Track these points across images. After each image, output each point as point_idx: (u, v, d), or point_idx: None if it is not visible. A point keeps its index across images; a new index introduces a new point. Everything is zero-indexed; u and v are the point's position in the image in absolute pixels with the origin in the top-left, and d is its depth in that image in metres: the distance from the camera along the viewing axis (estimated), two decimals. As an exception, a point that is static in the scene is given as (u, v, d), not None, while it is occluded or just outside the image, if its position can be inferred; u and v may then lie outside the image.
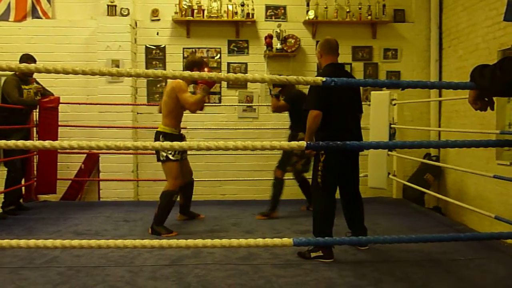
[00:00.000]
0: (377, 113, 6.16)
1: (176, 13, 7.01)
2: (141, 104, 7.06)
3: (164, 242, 2.34)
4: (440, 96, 6.97)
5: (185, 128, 6.07)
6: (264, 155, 7.03)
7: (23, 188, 6.05)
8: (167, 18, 7.13)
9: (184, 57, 7.10)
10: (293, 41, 7.09)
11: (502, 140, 3.18)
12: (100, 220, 5.25)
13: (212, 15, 7.02)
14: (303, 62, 7.21)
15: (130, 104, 6.88)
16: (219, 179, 7.02)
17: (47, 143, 2.21)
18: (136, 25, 7.09)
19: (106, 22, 6.82)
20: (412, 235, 2.75)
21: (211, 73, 2.46)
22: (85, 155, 6.93)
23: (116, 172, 6.83)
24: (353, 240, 3.53)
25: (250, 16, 7.04)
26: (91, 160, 7.00)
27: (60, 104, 6.16)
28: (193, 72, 2.35)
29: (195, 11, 6.99)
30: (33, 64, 2.93)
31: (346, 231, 4.06)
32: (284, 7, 7.26)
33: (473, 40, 6.11)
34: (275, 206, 5.26)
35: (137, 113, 7.11)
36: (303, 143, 2.49)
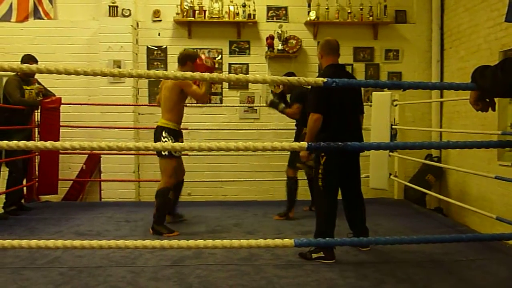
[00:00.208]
0: (379, 114, 6.16)
1: (177, 14, 7.01)
2: (142, 105, 7.07)
3: (166, 242, 2.34)
4: (441, 97, 6.97)
5: (187, 129, 6.08)
6: (265, 156, 7.04)
7: (24, 188, 6.06)
8: (169, 19, 7.13)
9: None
10: (294, 42, 7.09)
11: (503, 141, 3.19)
12: (102, 220, 5.25)
13: (213, 16, 7.02)
14: (304, 63, 7.21)
15: (132, 105, 6.89)
16: (220, 179, 7.02)
17: (48, 144, 2.21)
18: (137, 26, 7.10)
19: (107, 23, 6.83)
20: (413, 236, 2.75)
21: (212, 74, 2.46)
22: (86, 155, 6.94)
23: (118, 173, 6.84)
24: (354, 241, 3.54)
25: (252, 17, 7.05)
26: (93, 161, 7.00)
27: (62, 105, 6.16)
28: (194, 73, 2.35)
29: (197, 12, 6.99)
30: (34, 65, 2.94)
31: (347, 232, 4.05)
32: (286, 8, 7.26)
33: (474, 41, 6.11)
34: (291, 206, 5.24)
35: (139, 114, 7.11)
36: (304, 144, 2.49)
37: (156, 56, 7.16)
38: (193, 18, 7.00)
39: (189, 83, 4.50)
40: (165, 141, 4.51)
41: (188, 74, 2.34)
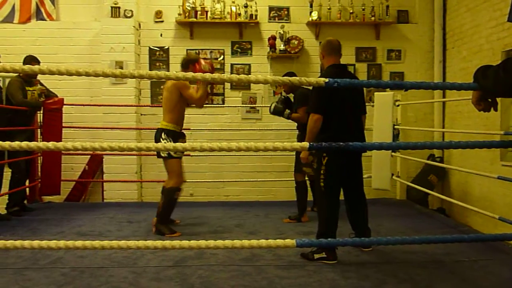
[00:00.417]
0: (381, 114, 6.16)
1: (179, 14, 7.02)
2: (144, 106, 7.08)
3: (167, 243, 2.34)
4: (443, 97, 6.96)
5: (189, 129, 6.09)
6: (267, 156, 7.04)
7: (27, 189, 6.07)
8: (171, 20, 7.14)
9: (187, 59, 7.11)
10: (296, 42, 7.09)
11: (506, 141, 3.18)
12: (104, 221, 5.26)
13: (215, 17, 7.03)
14: (306, 63, 7.21)
15: (134, 106, 6.90)
16: (222, 180, 7.02)
17: (50, 144, 2.21)
18: (139, 27, 7.11)
19: (110, 24, 6.84)
20: (415, 237, 2.74)
21: (213, 74, 2.46)
22: (89, 156, 6.95)
23: (120, 173, 6.84)
24: (356, 241, 3.54)
25: (254, 18, 7.05)
26: (95, 161, 7.01)
27: (64, 106, 6.18)
28: (196, 74, 2.35)
29: (199, 12, 7.00)
30: (36, 66, 2.94)
31: (349, 232, 4.05)
32: (288, 8, 7.26)
33: (477, 41, 6.10)
34: (302, 210, 5.18)
35: (141, 114, 7.12)
36: (306, 144, 2.49)
37: (158, 56, 7.17)
38: (195, 19, 7.01)
39: (186, 85, 4.53)
40: (164, 142, 4.51)
41: (190, 74, 2.34)
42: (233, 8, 7.04)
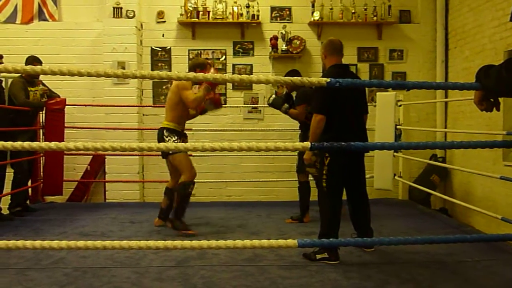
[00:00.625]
0: (383, 114, 6.15)
1: (181, 15, 7.02)
2: (146, 106, 7.08)
3: (169, 243, 2.34)
4: (446, 97, 6.94)
5: (190, 130, 6.09)
6: (269, 156, 7.04)
7: (29, 189, 6.08)
8: (173, 20, 7.14)
9: (189, 59, 7.11)
10: (298, 42, 7.08)
11: (508, 141, 3.17)
12: (106, 221, 5.27)
13: (217, 17, 7.03)
14: (308, 63, 7.20)
15: (136, 106, 6.91)
16: (224, 180, 7.02)
17: (52, 144, 2.22)
18: (141, 27, 7.12)
19: (112, 24, 6.85)
20: (418, 237, 2.74)
21: (215, 74, 2.46)
22: (91, 156, 6.96)
23: (122, 174, 6.85)
24: (358, 241, 3.53)
25: (255, 18, 7.05)
26: (97, 162, 7.03)
27: (66, 106, 6.19)
28: (197, 74, 2.35)
29: (201, 13, 7.00)
30: (38, 66, 2.94)
31: (351, 233, 4.04)
32: (289, 8, 7.25)
33: (479, 41, 6.08)
34: (305, 210, 5.16)
35: (143, 115, 7.12)
36: (307, 144, 2.48)
37: (160, 57, 7.17)
38: (197, 19, 7.01)
39: (186, 86, 4.52)
40: (168, 139, 4.54)
41: (191, 74, 2.34)
42: (235, 8, 7.04)
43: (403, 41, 7.30)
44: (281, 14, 7.25)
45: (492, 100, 2.28)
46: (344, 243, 3.57)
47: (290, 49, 7.07)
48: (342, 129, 3.76)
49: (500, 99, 2.30)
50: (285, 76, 4.76)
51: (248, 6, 7.03)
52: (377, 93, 6.44)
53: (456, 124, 6.71)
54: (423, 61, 7.31)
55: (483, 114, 2.54)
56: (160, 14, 7.16)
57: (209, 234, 4.61)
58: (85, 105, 6.75)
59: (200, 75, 2.35)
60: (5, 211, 5.54)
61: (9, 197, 5.63)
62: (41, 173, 6.26)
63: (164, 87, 7.14)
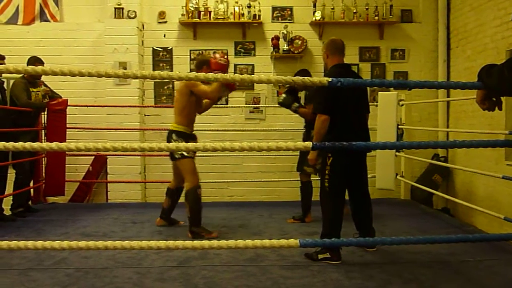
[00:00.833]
0: (385, 114, 6.14)
1: (183, 15, 7.02)
2: (148, 106, 7.09)
3: (171, 243, 2.34)
4: (448, 96, 6.93)
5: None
6: (271, 156, 7.04)
7: (31, 190, 6.09)
8: (174, 20, 7.15)
9: (191, 59, 7.12)
10: (300, 42, 7.08)
11: (510, 140, 3.16)
12: (108, 221, 5.27)
13: (218, 17, 7.03)
14: (310, 63, 7.19)
15: (138, 106, 6.91)
16: (226, 180, 7.02)
17: (54, 145, 2.22)
18: (143, 28, 7.12)
19: (113, 25, 6.85)
20: (420, 237, 2.74)
21: (217, 74, 2.45)
22: (93, 157, 6.97)
23: (124, 174, 6.86)
24: (360, 241, 3.53)
25: (257, 18, 7.04)
26: (99, 162, 7.03)
27: (68, 107, 6.19)
28: (198, 73, 2.35)
29: (202, 13, 7.00)
30: (39, 66, 2.95)
31: (353, 232, 4.03)
32: (291, 8, 7.25)
33: (481, 40, 6.07)
34: (307, 210, 5.15)
35: (145, 115, 7.13)
36: (309, 144, 2.48)
37: (162, 57, 7.18)
38: (198, 19, 7.01)
39: (196, 82, 4.45)
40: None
41: (192, 74, 2.34)
42: (236, 9, 7.04)
43: (404, 40, 7.29)
44: (282, 14, 7.25)
45: (494, 99, 2.27)
46: (346, 243, 3.57)
47: (291, 49, 7.06)
48: (344, 128, 3.75)
49: (502, 98, 2.29)
50: (295, 75, 4.75)
51: (249, 6, 7.03)
52: (379, 92, 6.43)
53: (458, 123, 6.70)
54: (425, 60, 7.29)
55: (485, 113, 2.54)
56: (162, 14, 7.17)
57: (211, 234, 4.61)
58: (87, 106, 6.76)
59: (201, 74, 2.35)
60: (7, 212, 5.55)
61: (11, 197, 5.63)
62: (43, 174, 6.27)
63: (165, 87, 7.14)
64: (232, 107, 7.16)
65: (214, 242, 2.33)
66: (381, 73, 7.26)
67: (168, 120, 6.92)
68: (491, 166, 5.67)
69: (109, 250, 3.54)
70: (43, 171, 6.26)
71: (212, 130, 6.97)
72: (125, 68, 6.76)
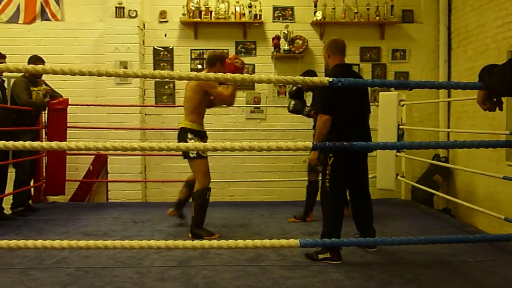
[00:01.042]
0: (386, 114, 6.14)
1: (183, 14, 7.02)
2: (149, 106, 7.09)
3: (171, 243, 2.34)
4: (449, 97, 6.93)
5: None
6: (272, 156, 7.03)
7: (32, 189, 6.09)
8: (175, 20, 7.14)
9: (191, 59, 7.12)
10: (300, 42, 7.07)
11: (511, 141, 3.16)
12: (109, 221, 5.27)
13: (219, 17, 7.03)
14: (311, 63, 7.18)
15: (138, 106, 6.91)
16: (227, 180, 7.02)
17: (54, 144, 2.22)
18: (144, 27, 7.12)
19: (114, 24, 6.85)
20: (421, 237, 2.74)
21: (217, 74, 2.45)
22: (93, 156, 6.97)
23: (124, 173, 6.85)
24: (361, 241, 3.53)
25: (258, 17, 7.04)
26: (100, 162, 7.03)
27: (69, 106, 6.19)
28: (199, 73, 2.35)
29: (203, 12, 7.00)
30: (40, 66, 2.94)
31: (354, 233, 4.03)
32: (292, 8, 7.25)
33: (482, 41, 6.06)
34: (310, 210, 5.14)
35: (145, 114, 7.13)
36: (309, 144, 2.48)
37: (163, 57, 7.17)
38: (199, 19, 7.01)
39: (214, 84, 4.36)
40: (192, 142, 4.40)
41: (193, 74, 2.34)
42: (237, 8, 7.04)
43: (405, 41, 7.28)
44: (283, 13, 7.24)
45: (495, 99, 2.27)
46: (346, 243, 3.56)
47: (292, 49, 7.06)
48: (346, 128, 3.75)
49: (503, 99, 2.29)
50: (301, 75, 4.73)
51: (250, 6, 7.02)
52: (380, 93, 6.43)
53: (459, 124, 6.69)
54: (426, 61, 7.29)
55: (486, 113, 2.54)
56: (163, 14, 7.16)
57: (211, 234, 4.61)
58: (88, 105, 6.75)
59: (201, 74, 2.34)
60: (8, 211, 5.56)
61: (11, 197, 5.64)
62: (44, 173, 6.27)
63: (166, 86, 7.14)
64: (232, 106, 7.12)
65: (215, 242, 2.33)
66: (382, 74, 7.25)
67: (168, 119, 6.97)
68: (492, 166, 5.66)
69: (109, 250, 3.53)
70: (44, 170, 6.26)
71: (213, 129, 6.95)
72: (126, 68, 6.76)
